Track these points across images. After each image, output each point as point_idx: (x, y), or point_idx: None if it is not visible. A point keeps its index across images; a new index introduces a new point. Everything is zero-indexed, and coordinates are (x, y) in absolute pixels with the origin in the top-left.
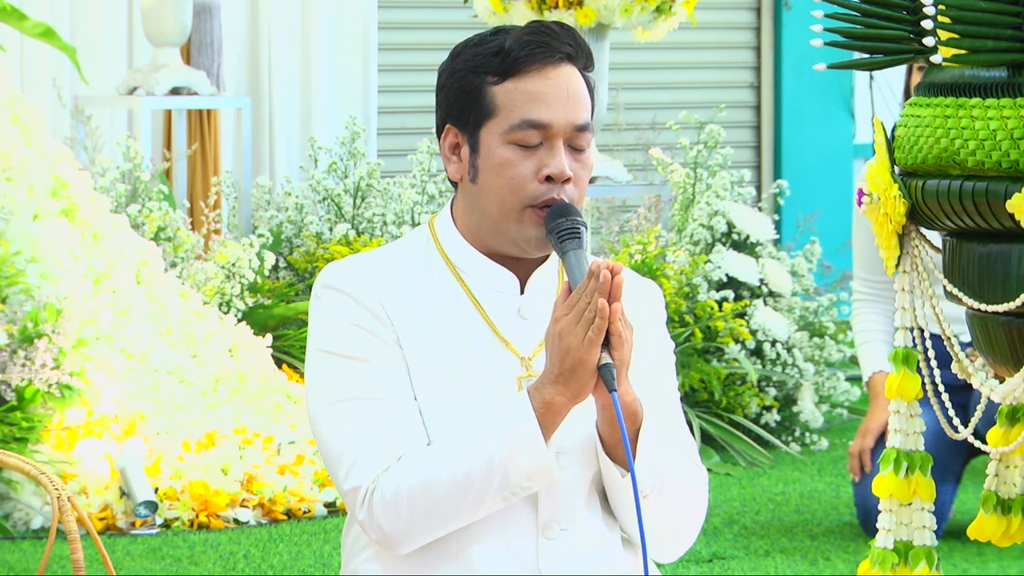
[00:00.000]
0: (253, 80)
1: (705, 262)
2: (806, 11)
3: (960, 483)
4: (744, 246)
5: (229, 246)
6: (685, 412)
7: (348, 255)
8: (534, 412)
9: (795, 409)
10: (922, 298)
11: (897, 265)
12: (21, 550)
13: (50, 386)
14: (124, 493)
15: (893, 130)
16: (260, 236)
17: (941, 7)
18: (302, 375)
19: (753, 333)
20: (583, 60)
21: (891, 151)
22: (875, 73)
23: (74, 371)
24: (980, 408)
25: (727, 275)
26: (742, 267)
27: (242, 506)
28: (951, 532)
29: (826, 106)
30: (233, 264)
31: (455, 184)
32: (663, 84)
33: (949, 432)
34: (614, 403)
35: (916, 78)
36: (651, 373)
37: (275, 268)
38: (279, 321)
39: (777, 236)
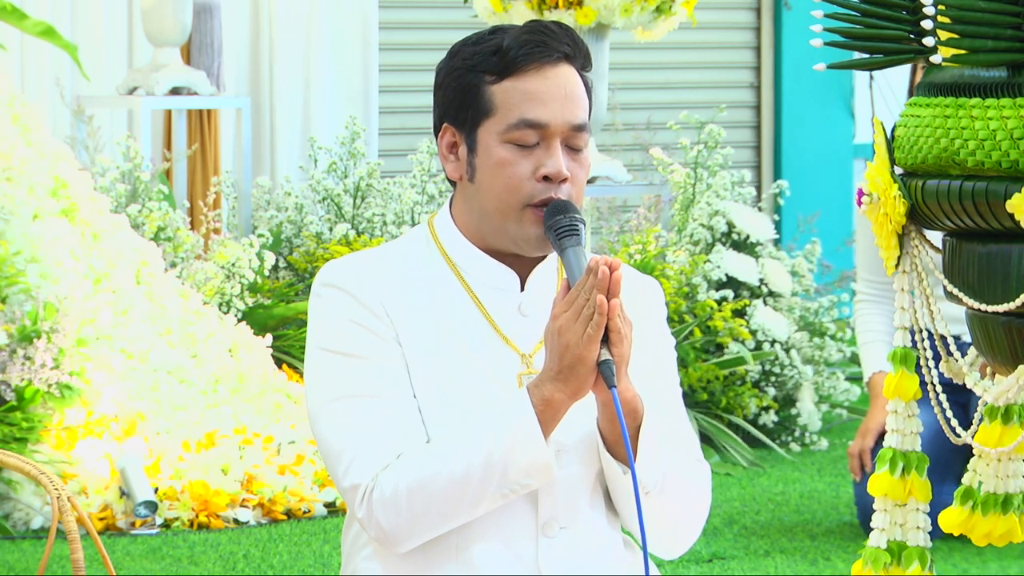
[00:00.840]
0: (253, 80)
1: (705, 262)
2: (806, 11)
3: (960, 484)
4: (744, 246)
5: (229, 246)
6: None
7: (343, 256)
8: (533, 409)
9: (795, 409)
10: (922, 298)
11: (897, 265)
12: (21, 550)
13: (50, 386)
14: (124, 493)
15: (893, 130)
16: (260, 236)
17: (941, 7)
18: (302, 375)
19: (753, 333)
20: (581, 60)
21: (891, 151)
22: (875, 73)
23: (74, 371)
24: (980, 408)
25: (727, 275)
26: (742, 267)
27: (242, 506)
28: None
29: (826, 106)
30: (233, 264)
31: (453, 183)
32: (663, 84)
33: (948, 434)
34: (614, 399)
35: (920, 78)
36: (652, 369)
37: (275, 268)
38: (279, 321)
39: (777, 236)
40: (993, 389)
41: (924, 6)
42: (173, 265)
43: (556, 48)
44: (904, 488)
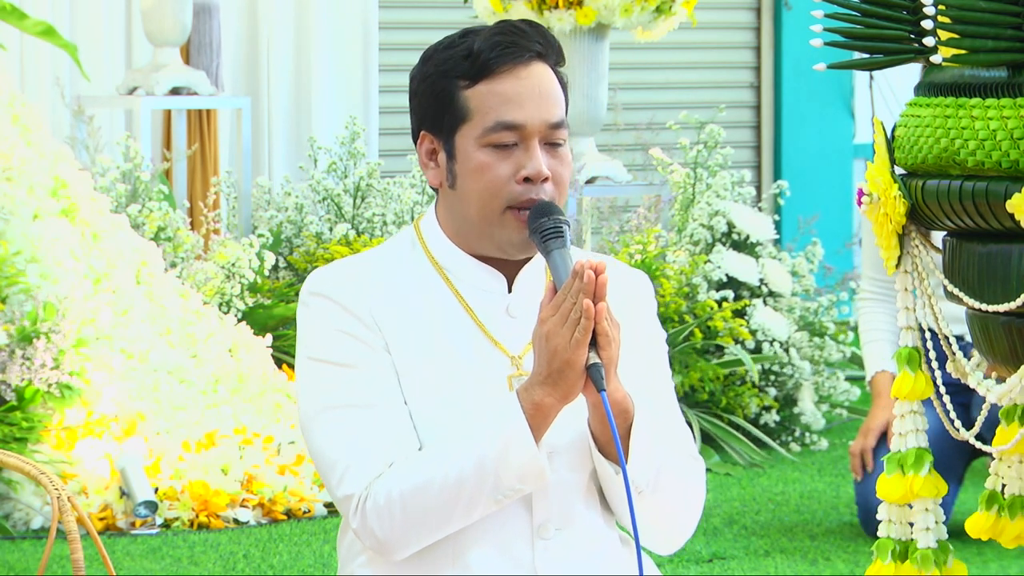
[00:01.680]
0: (253, 80)
1: (705, 262)
2: (806, 11)
3: (962, 484)
4: (744, 246)
5: (229, 246)
6: (685, 412)
7: (343, 256)
8: (524, 414)
9: (795, 409)
10: (923, 298)
11: (897, 265)
12: (21, 550)
13: (50, 386)
14: (124, 493)
15: (893, 130)
16: (260, 236)
17: (941, 7)
18: None
19: (753, 333)
20: (554, 57)
21: (891, 151)
22: (875, 73)
23: (74, 371)
24: (985, 408)
25: (727, 275)
26: (742, 267)
27: (242, 506)
28: (951, 532)
29: (826, 106)
30: (233, 264)
31: (435, 190)
32: (663, 84)
33: (951, 432)
34: (604, 403)
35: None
36: (643, 366)
37: (275, 268)
38: (279, 321)
39: (777, 236)
40: (996, 389)
41: (924, 6)
42: (173, 265)
43: (527, 47)
44: (914, 487)
